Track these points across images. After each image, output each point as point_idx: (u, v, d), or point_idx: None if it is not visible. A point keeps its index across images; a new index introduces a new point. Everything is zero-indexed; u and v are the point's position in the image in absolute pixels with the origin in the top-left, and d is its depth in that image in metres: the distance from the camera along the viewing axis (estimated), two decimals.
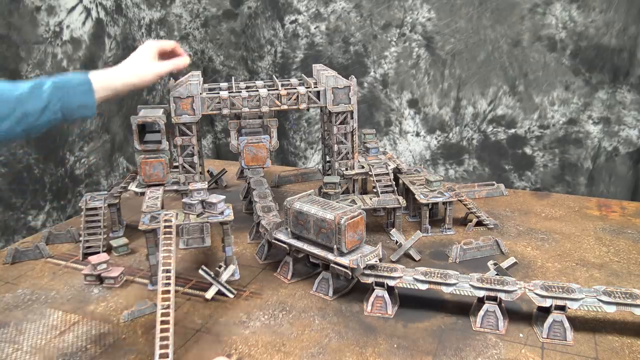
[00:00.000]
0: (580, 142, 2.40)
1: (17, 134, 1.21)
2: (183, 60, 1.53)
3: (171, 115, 1.70)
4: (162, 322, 1.18)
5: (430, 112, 2.61)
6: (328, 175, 1.92)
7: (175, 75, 2.15)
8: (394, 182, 1.85)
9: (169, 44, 1.52)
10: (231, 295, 1.48)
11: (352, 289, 1.49)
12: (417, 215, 1.92)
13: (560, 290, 1.27)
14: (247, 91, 1.75)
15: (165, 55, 1.52)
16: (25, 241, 1.90)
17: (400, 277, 1.37)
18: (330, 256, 1.40)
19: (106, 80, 1.33)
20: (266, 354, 1.24)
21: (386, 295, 1.38)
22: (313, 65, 2.04)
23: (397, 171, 1.98)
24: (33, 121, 1.20)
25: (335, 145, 1.83)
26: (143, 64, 1.44)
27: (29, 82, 1.23)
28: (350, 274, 1.36)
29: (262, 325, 1.35)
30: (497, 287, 1.30)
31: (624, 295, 1.25)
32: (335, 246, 1.39)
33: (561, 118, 2.40)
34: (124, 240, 1.79)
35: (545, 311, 1.28)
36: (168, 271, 1.28)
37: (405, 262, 1.62)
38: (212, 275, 1.47)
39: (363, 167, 1.89)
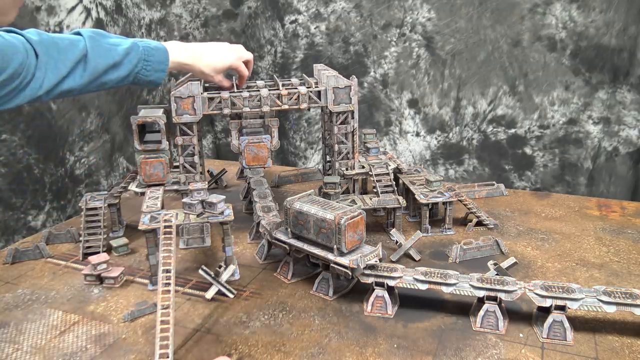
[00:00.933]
0: (580, 142, 2.40)
1: (89, 92, 1.38)
2: (227, 86, 1.77)
3: (172, 115, 1.70)
4: (162, 322, 1.18)
5: (430, 112, 2.61)
6: (328, 175, 1.92)
7: (176, 74, 2.15)
8: (394, 182, 1.85)
9: (242, 71, 1.74)
10: (231, 295, 1.48)
11: (352, 289, 1.50)
12: (417, 215, 1.92)
13: (560, 290, 1.27)
14: (248, 91, 1.75)
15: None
16: (25, 241, 1.90)
17: (400, 277, 1.37)
18: (330, 256, 1.40)
19: (179, 64, 1.54)
20: (266, 354, 1.24)
21: (386, 295, 1.38)
22: (314, 65, 2.04)
23: (397, 171, 1.98)
24: (109, 86, 1.39)
25: (336, 145, 1.83)
26: (213, 69, 1.64)
27: (124, 46, 1.38)
28: (350, 274, 1.36)
29: (262, 325, 1.35)
30: (497, 287, 1.30)
31: (624, 295, 1.25)
32: (335, 246, 1.39)
33: (561, 118, 2.40)
34: (124, 240, 1.79)
35: (545, 311, 1.28)
36: (168, 271, 1.28)
37: (405, 262, 1.62)
38: (212, 275, 1.47)
39: (363, 167, 1.89)
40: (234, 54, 1.68)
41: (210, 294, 1.45)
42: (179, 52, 1.53)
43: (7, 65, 1.09)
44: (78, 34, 1.32)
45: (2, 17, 0.91)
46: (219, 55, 1.64)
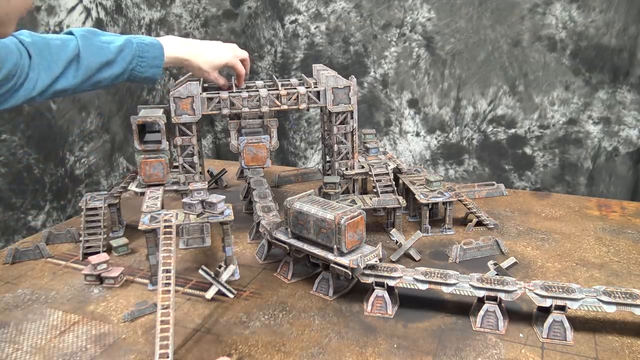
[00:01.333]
0: (580, 142, 2.40)
1: (84, 91, 1.38)
2: (228, 85, 1.76)
3: (171, 115, 1.70)
4: (162, 322, 1.18)
5: (430, 112, 2.61)
6: (328, 175, 1.92)
7: (176, 75, 2.16)
8: (394, 182, 1.85)
9: (239, 69, 1.73)
10: (231, 295, 1.48)
11: (352, 289, 1.49)
12: (417, 215, 1.92)
13: (560, 290, 1.27)
14: (247, 91, 1.75)
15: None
16: (25, 241, 1.90)
17: (400, 277, 1.37)
18: (330, 256, 1.40)
19: (174, 59, 1.52)
20: (266, 354, 1.24)
21: (386, 295, 1.38)
22: (313, 65, 2.04)
23: (397, 171, 1.98)
24: (104, 84, 1.37)
25: (335, 145, 1.83)
26: (209, 66, 1.63)
27: (117, 44, 1.38)
28: (350, 274, 1.36)
29: (262, 325, 1.35)
30: (497, 287, 1.30)
31: (624, 295, 1.25)
32: (335, 246, 1.39)
33: (561, 118, 2.40)
34: (124, 240, 1.79)
35: (545, 311, 1.28)
36: (168, 271, 1.28)
37: (405, 262, 1.62)
38: (212, 275, 1.47)
39: (363, 167, 1.89)
40: (230, 52, 1.68)
41: (210, 294, 1.45)
42: (176, 47, 1.52)
43: (1, 66, 1.10)
44: (70, 33, 1.32)
45: (1, 29, 0.91)
46: (216, 52, 1.64)
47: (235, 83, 1.80)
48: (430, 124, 2.62)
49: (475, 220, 1.86)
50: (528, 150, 2.49)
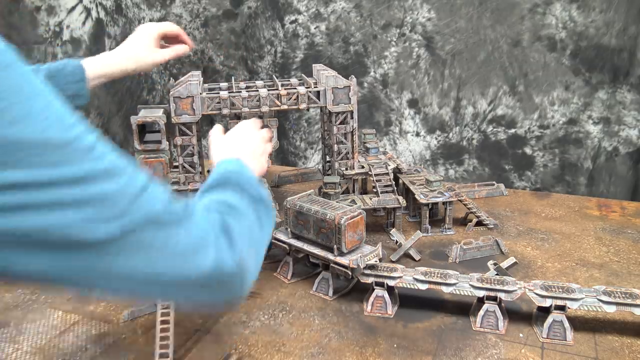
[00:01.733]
0: (580, 142, 2.40)
1: None
2: (183, 49, 1.52)
3: (171, 115, 1.70)
4: (162, 322, 1.18)
5: (430, 112, 2.61)
6: (328, 175, 1.92)
7: (176, 74, 2.15)
8: (394, 182, 1.85)
9: (171, 30, 1.51)
10: None
11: (352, 289, 1.49)
12: (417, 215, 1.92)
13: (560, 290, 1.27)
14: (247, 91, 1.75)
15: (167, 39, 1.52)
16: None
17: (400, 277, 1.37)
18: (330, 256, 1.40)
19: (101, 67, 1.35)
20: (266, 354, 1.24)
21: (386, 295, 1.38)
22: (313, 65, 2.04)
23: (397, 171, 1.98)
24: None
25: (335, 145, 1.83)
26: (141, 50, 1.43)
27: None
28: (350, 273, 1.36)
29: (262, 325, 1.35)
30: (497, 287, 1.30)
31: (624, 295, 1.25)
32: (335, 246, 1.39)
33: (561, 118, 2.40)
34: None
35: (545, 311, 1.28)
36: None
37: (405, 262, 1.62)
38: None
39: (363, 167, 1.89)
40: (152, 24, 1.52)
41: None
42: (100, 57, 1.40)
43: None
44: None
45: None
46: (141, 31, 1.47)
47: (185, 50, 1.57)
48: (430, 124, 2.62)
49: (475, 220, 1.86)
50: (528, 150, 2.49)
